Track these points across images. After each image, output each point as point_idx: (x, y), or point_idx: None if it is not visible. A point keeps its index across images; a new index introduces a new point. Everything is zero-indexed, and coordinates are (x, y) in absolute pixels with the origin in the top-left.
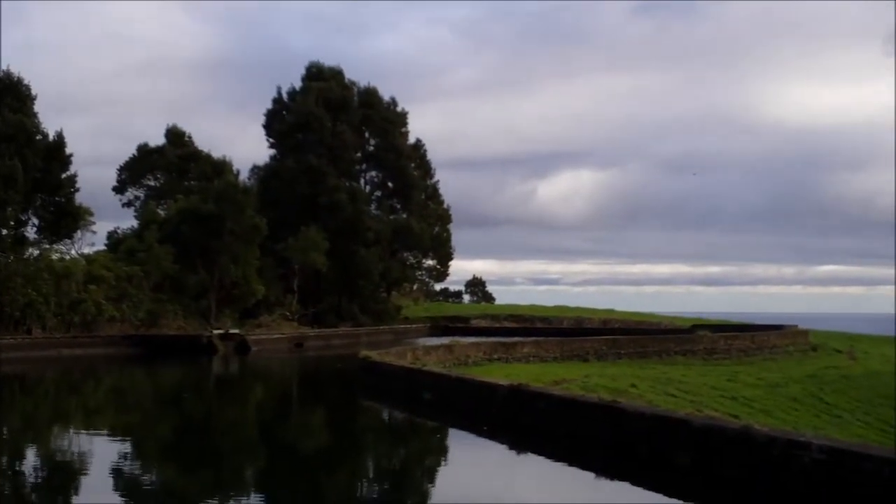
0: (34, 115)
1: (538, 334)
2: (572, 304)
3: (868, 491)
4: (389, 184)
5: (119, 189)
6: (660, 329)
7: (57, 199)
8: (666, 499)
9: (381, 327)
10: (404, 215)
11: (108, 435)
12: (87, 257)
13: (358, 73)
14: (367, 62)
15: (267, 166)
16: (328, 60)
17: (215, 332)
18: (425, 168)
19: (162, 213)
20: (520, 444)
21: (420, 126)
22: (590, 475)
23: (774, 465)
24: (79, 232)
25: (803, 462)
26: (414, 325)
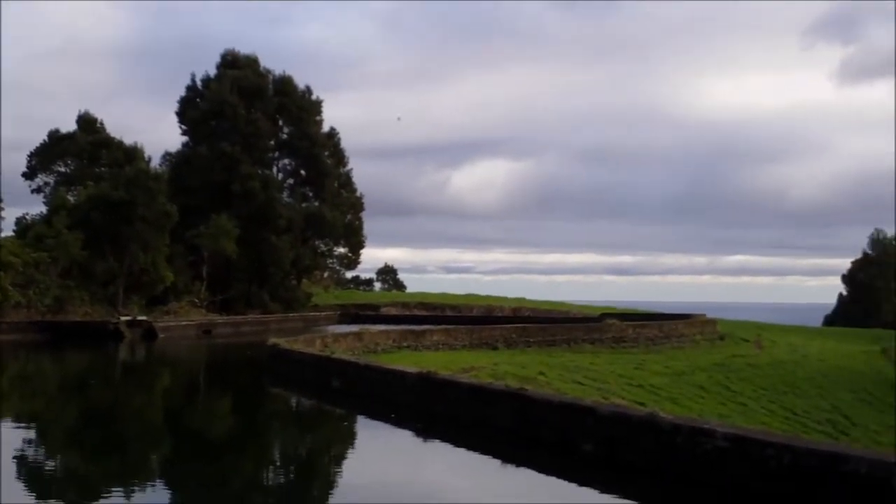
0: None
1: (448, 322)
2: (484, 292)
3: (770, 477)
4: (302, 172)
5: (29, 175)
6: (569, 318)
7: None
8: (571, 485)
9: (291, 315)
10: (317, 203)
11: (13, 422)
12: None
13: (275, 61)
14: (284, 50)
15: (179, 153)
16: (246, 48)
17: (122, 318)
18: (339, 156)
19: (72, 199)
20: (428, 431)
21: (336, 114)
22: (496, 462)
23: (679, 452)
24: None
25: (707, 449)
26: (324, 313)
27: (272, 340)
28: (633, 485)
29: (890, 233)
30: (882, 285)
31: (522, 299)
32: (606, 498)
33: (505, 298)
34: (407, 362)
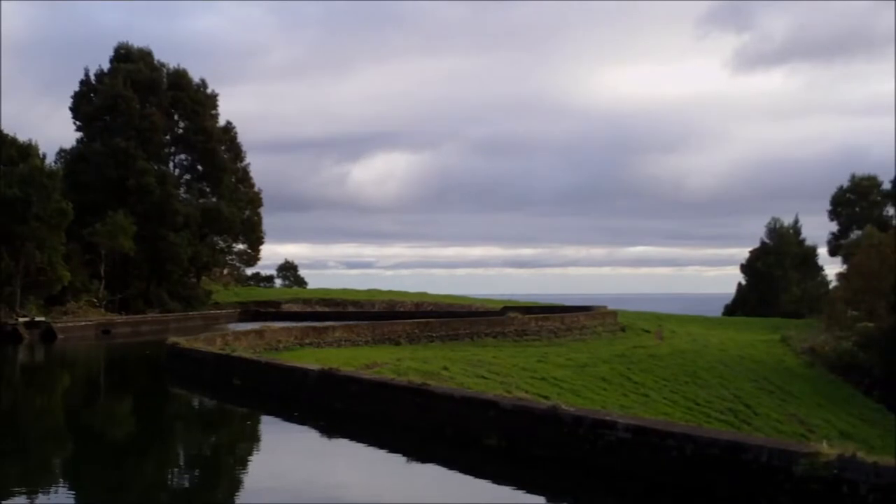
0: None
1: (350, 318)
2: (385, 287)
3: (672, 466)
4: (199, 167)
5: None
6: (471, 311)
7: None
8: (475, 479)
9: (191, 313)
10: (214, 199)
11: None
12: None
13: (170, 55)
14: (179, 43)
15: (74, 150)
16: (140, 41)
17: (20, 319)
18: (236, 151)
19: None
20: (331, 428)
21: (232, 108)
22: (401, 458)
23: (582, 444)
24: None
25: (610, 440)
26: (224, 311)
27: (172, 339)
28: (537, 477)
29: (787, 221)
30: (780, 274)
31: (424, 294)
32: (508, 491)
33: (407, 293)
34: (309, 359)
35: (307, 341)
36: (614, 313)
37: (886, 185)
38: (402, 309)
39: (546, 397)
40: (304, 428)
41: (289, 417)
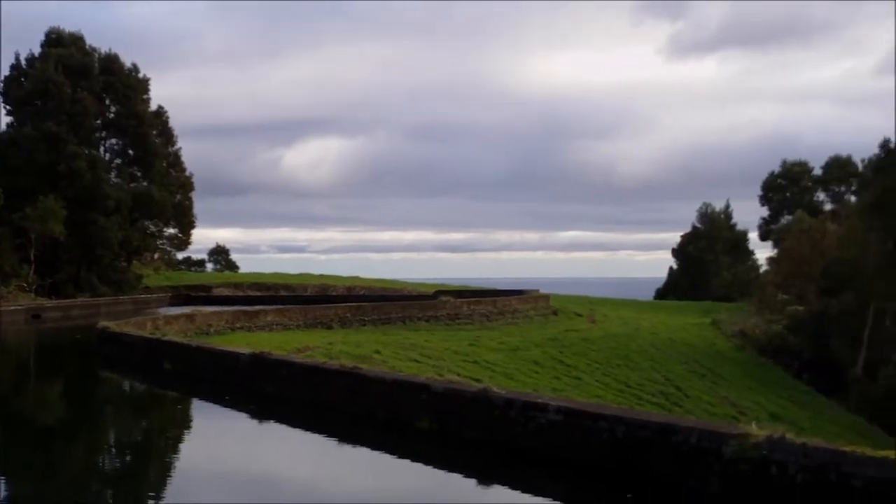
0: None
1: (282, 302)
2: (318, 271)
3: (603, 448)
4: (130, 151)
5: None
6: (404, 295)
7: None
8: (406, 462)
9: (122, 297)
10: (145, 183)
11: None
12: None
13: (102, 39)
14: (111, 27)
15: (4, 134)
16: (72, 26)
17: None
18: (168, 135)
19: None
20: (263, 412)
21: (165, 92)
22: (333, 441)
23: (513, 427)
24: None
25: (541, 423)
26: (155, 295)
27: (102, 324)
28: (468, 460)
29: (719, 206)
30: (711, 258)
31: (357, 278)
32: (441, 473)
33: (339, 277)
34: (240, 343)
35: (239, 325)
36: (546, 297)
37: (817, 171)
38: (334, 293)
39: (478, 380)
40: (236, 412)
41: (220, 401)
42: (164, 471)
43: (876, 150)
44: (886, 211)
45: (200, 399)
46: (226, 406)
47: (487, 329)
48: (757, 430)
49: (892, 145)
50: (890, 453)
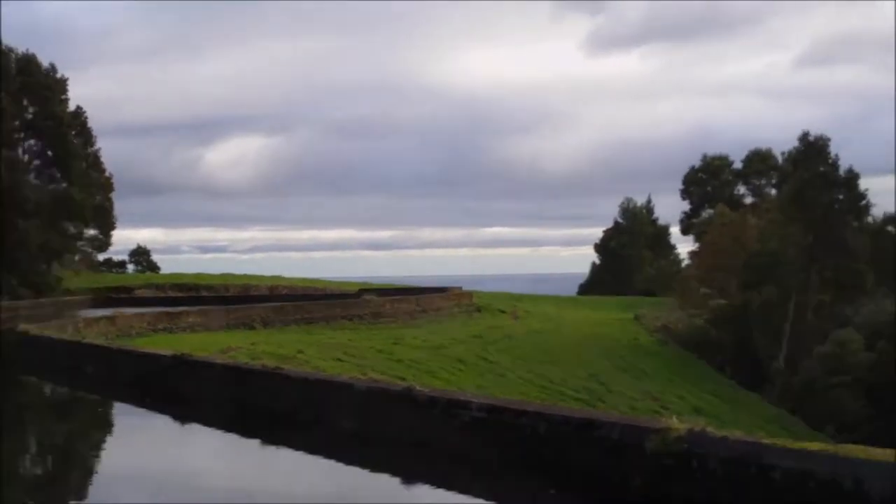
0: None
1: (204, 303)
2: (240, 271)
3: (525, 445)
4: (49, 153)
5: None
6: (327, 294)
7: None
8: (329, 462)
9: (42, 300)
10: (65, 185)
11: None
12: None
13: (18, 37)
14: (28, 26)
15: None
16: None
17: None
18: (87, 136)
19: None
20: (185, 414)
21: (84, 92)
22: (255, 443)
23: (436, 424)
24: None
25: (464, 420)
26: (76, 298)
27: (22, 327)
28: (392, 458)
29: (640, 201)
30: (633, 253)
31: (279, 277)
32: (364, 473)
33: (262, 277)
34: (162, 345)
35: (160, 327)
36: (470, 294)
37: (738, 165)
38: (256, 293)
39: (402, 379)
40: (158, 414)
41: (142, 404)
42: (86, 475)
43: (795, 144)
44: (806, 204)
45: (122, 402)
46: (148, 408)
47: (411, 327)
48: (678, 424)
49: (811, 138)
50: (810, 444)
